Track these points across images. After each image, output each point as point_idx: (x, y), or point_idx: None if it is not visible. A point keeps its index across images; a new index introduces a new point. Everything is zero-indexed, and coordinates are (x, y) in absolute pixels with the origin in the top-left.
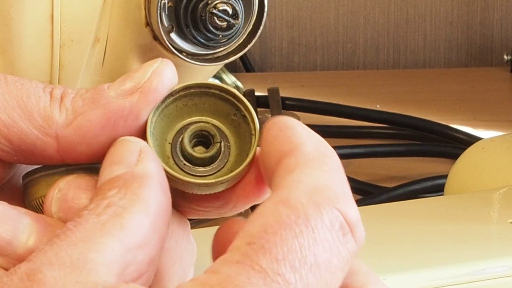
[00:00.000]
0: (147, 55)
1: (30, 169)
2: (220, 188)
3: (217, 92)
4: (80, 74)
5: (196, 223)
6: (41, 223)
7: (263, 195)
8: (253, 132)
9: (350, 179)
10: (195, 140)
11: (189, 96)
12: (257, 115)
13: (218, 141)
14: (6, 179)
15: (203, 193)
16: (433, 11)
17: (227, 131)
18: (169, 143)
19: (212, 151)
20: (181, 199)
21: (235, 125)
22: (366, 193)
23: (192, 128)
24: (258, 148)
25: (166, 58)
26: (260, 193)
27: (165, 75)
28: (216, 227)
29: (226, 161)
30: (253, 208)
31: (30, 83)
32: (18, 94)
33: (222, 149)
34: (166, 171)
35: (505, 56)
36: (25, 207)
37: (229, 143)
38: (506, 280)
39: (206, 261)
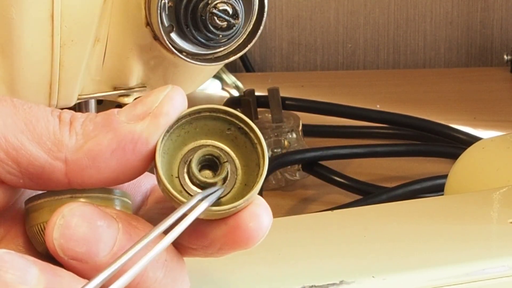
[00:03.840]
0: (147, 55)
1: (33, 195)
2: (225, 214)
3: (225, 116)
4: (80, 74)
5: None
6: (49, 273)
7: (252, 243)
8: (261, 160)
9: (350, 179)
10: (202, 164)
11: (196, 120)
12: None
13: (224, 160)
14: (9, 204)
15: (208, 218)
16: (433, 11)
17: (235, 156)
18: (177, 167)
19: (221, 175)
20: None
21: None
22: (366, 193)
23: (200, 153)
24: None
25: (166, 58)
26: (248, 240)
27: (176, 99)
28: None
29: (233, 185)
30: None
31: (38, 106)
32: (27, 117)
33: (229, 174)
34: (173, 195)
35: (505, 56)
36: (26, 233)
37: (235, 168)
38: (506, 280)
39: (206, 261)
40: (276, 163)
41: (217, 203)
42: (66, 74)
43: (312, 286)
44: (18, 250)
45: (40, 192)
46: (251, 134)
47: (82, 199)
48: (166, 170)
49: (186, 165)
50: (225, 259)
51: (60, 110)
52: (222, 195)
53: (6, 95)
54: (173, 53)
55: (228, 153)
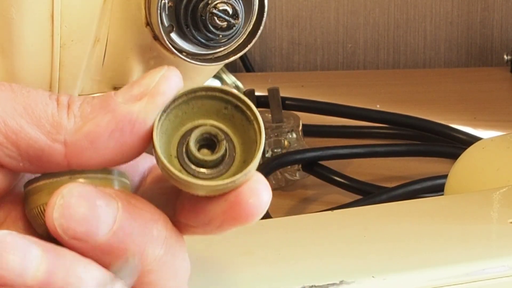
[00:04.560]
0: (147, 55)
1: (32, 177)
2: (225, 189)
3: (221, 95)
4: (80, 74)
5: None
6: (51, 253)
7: (252, 219)
8: (258, 136)
9: (350, 179)
10: (200, 143)
11: (193, 100)
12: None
13: (222, 138)
14: (9, 188)
15: (208, 195)
16: (433, 11)
17: (232, 135)
18: (175, 146)
19: (219, 153)
20: (170, 213)
21: (240, 125)
22: (366, 193)
23: (197, 132)
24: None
25: (166, 58)
26: (248, 216)
27: (172, 79)
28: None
29: (231, 163)
30: None
31: (36, 91)
32: (25, 101)
33: (227, 152)
34: (172, 173)
35: (505, 56)
36: (25, 216)
37: (233, 145)
38: (506, 280)
39: (206, 261)
40: (276, 163)
41: (216, 178)
42: (66, 74)
43: (312, 286)
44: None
45: (39, 175)
46: (248, 112)
47: (81, 180)
48: (165, 150)
49: (184, 145)
50: (225, 259)
51: (58, 94)
52: (221, 173)
53: None
54: (173, 53)
55: (225, 132)
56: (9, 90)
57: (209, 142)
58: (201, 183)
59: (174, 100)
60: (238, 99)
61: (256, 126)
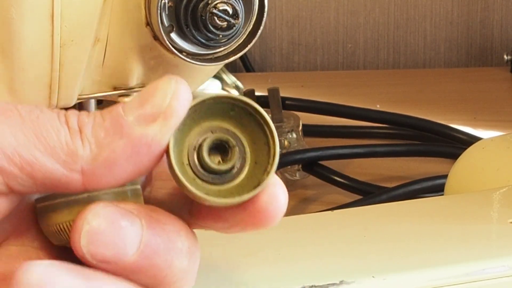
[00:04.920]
0: (147, 55)
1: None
2: (244, 202)
3: (229, 100)
4: (80, 74)
5: None
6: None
7: (273, 223)
8: (270, 141)
9: (350, 179)
10: (211, 148)
11: (200, 107)
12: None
13: (233, 144)
14: (18, 204)
15: (218, 206)
16: (433, 11)
17: (241, 135)
18: (186, 154)
19: (232, 161)
20: (186, 214)
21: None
22: (366, 193)
23: (208, 141)
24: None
25: (166, 58)
26: (269, 222)
27: (184, 97)
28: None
29: (243, 165)
30: None
31: (44, 114)
32: (36, 128)
33: (239, 155)
34: (189, 189)
35: (505, 56)
36: (35, 226)
37: (244, 146)
38: (506, 280)
39: (206, 261)
40: None
41: (232, 189)
42: (66, 74)
43: (312, 286)
44: (31, 243)
45: None
46: (256, 115)
47: (99, 196)
48: (177, 160)
49: (195, 151)
50: (225, 259)
51: (65, 113)
52: (235, 177)
53: (6, 94)
54: (173, 53)
55: (234, 133)
56: (17, 116)
57: (219, 146)
58: (217, 201)
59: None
60: (245, 103)
61: (267, 129)
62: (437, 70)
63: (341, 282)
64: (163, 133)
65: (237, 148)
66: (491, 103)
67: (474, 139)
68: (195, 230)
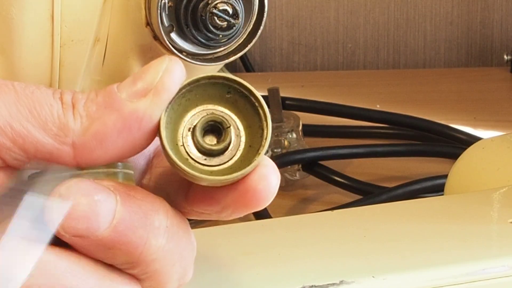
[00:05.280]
0: (147, 55)
1: (36, 171)
2: (234, 181)
3: (224, 82)
4: (80, 74)
5: (196, 223)
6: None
7: (263, 204)
8: (264, 122)
9: (350, 179)
10: (206, 129)
11: (196, 88)
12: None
13: (228, 126)
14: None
15: (214, 186)
16: (433, 11)
17: (236, 119)
18: (181, 135)
19: (225, 141)
20: (182, 200)
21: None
22: (366, 193)
23: (203, 120)
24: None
25: None
26: (259, 202)
27: (176, 73)
28: (215, 227)
29: (237, 148)
30: (255, 213)
31: (39, 90)
32: (30, 103)
33: (233, 137)
34: (180, 167)
35: (505, 56)
36: None
37: (239, 129)
38: (506, 280)
39: (206, 261)
40: (276, 163)
41: (224, 170)
42: (66, 74)
43: (312, 286)
44: None
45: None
46: (251, 97)
47: (88, 176)
48: (170, 139)
49: (189, 132)
50: (225, 259)
51: (60, 91)
52: (229, 159)
53: None
54: (173, 53)
55: (230, 116)
56: (13, 91)
57: (214, 127)
58: (209, 178)
59: (178, 91)
60: (241, 85)
61: (261, 112)
62: (437, 70)
63: (341, 282)
64: (153, 108)
65: (231, 129)
66: (491, 103)
67: (474, 139)
68: (195, 232)
